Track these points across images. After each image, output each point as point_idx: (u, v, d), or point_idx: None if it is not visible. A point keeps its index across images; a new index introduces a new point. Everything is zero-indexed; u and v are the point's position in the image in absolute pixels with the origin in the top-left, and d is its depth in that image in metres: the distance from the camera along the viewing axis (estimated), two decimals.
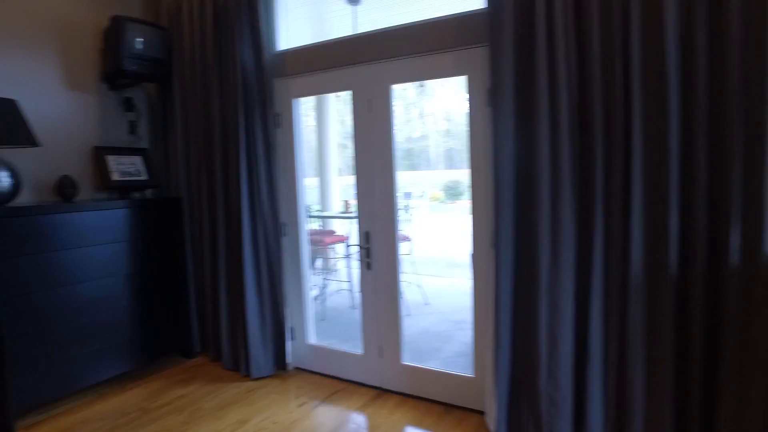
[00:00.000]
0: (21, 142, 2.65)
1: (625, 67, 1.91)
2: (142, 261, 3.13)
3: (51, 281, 2.69)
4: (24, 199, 2.89)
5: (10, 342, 2.51)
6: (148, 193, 3.53)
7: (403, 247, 5.40)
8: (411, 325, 4.19)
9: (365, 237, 2.85)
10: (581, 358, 2.11)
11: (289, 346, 3.15)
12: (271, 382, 3.03)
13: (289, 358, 3.17)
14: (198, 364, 3.34)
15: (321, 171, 6.78)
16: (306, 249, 3.19)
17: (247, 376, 3.08)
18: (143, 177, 3.38)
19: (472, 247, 2.51)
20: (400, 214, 5.44)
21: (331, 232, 6.08)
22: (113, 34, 3.09)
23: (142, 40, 3.14)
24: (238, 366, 3.16)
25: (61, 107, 3.11)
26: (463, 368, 2.75)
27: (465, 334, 3.86)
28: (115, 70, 3.13)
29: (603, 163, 2.00)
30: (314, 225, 6.04)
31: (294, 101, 3.08)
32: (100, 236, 2.92)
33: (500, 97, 2.16)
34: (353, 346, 3.04)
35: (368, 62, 2.73)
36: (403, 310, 2.54)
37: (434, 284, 5.64)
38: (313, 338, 3.22)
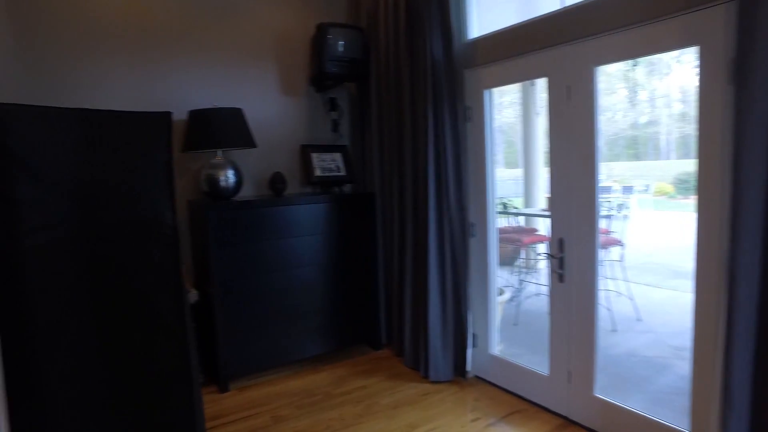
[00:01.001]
0: (244, 144, 3.05)
1: None
2: (339, 253, 3.33)
3: (263, 267, 3.05)
4: (244, 193, 3.34)
5: (231, 316, 2.93)
6: (346, 188, 3.74)
7: (612, 252, 4.76)
8: (616, 343, 3.61)
9: (558, 244, 2.50)
10: None
11: (469, 353, 2.99)
12: (448, 388, 2.92)
13: (469, 366, 3.01)
14: (382, 356, 3.43)
15: (527, 163, 6.38)
16: (494, 252, 2.96)
17: (426, 377, 3.02)
18: (342, 173, 3.59)
19: (695, 259, 1.96)
20: (612, 212, 4.79)
21: (532, 231, 5.66)
22: (318, 41, 3.32)
23: (343, 43, 3.30)
24: (418, 366, 3.13)
25: (275, 111, 3.49)
26: (678, 413, 2.20)
27: (685, 366, 3.14)
28: (318, 73, 3.37)
29: None
30: (513, 221, 5.71)
31: (485, 92, 2.87)
32: (304, 228, 3.19)
33: (751, 70, 1.60)
34: (541, 360, 2.71)
35: (566, 43, 2.35)
36: (609, 325, 2.14)
37: (651, 296, 4.81)
38: (496, 348, 2.99)
